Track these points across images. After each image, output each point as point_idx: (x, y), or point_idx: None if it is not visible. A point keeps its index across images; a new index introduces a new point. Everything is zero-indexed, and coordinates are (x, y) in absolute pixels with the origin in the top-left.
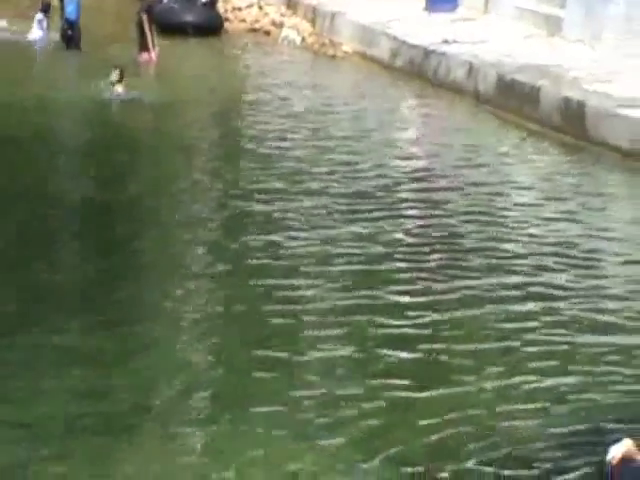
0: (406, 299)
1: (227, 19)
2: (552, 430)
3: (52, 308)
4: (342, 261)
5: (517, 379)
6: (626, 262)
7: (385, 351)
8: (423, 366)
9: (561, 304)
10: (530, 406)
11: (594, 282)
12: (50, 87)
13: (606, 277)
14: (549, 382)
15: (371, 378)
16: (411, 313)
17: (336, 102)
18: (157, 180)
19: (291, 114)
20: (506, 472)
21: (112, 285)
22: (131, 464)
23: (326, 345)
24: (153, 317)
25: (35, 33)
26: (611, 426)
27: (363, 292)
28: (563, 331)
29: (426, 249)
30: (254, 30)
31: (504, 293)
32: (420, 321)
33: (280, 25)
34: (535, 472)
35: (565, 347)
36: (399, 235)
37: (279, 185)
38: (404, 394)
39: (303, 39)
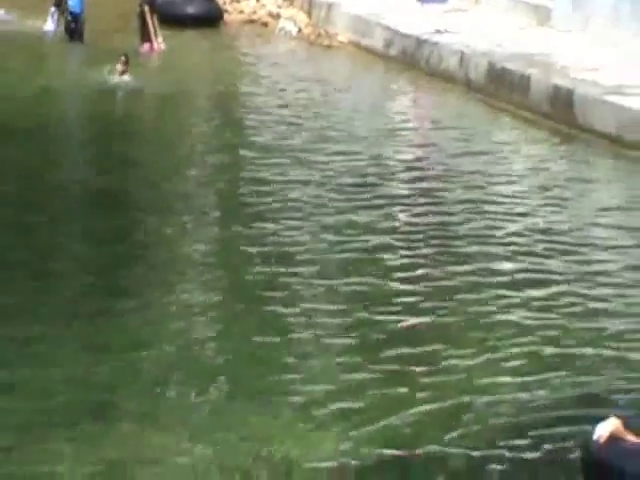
0: (400, 285)
1: (225, 11)
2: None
3: (55, 293)
4: (338, 249)
5: (502, 356)
6: (615, 247)
7: (377, 333)
8: (413, 343)
9: (550, 289)
10: (515, 380)
11: (583, 268)
12: (53, 77)
13: (595, 263)
14: (535, 362)
15: (359, 354)
16: (405, 299)
17: (331, 91)
18: (158, 168)
19: (287, 103)
20: (489, 444)
21: (115, 270)
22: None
23: (322, 330)
24: (154, 303)
25: (49, 25)
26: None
27: (358, 279)
28: (553, 315)
29: (420, 236)
30: (252, 21)
31: (496, 279)
32: (412, 301)
33: (277, 16)
34: (519, 444)
35: (552, 330)
36: (394, 223)
37: (277, 175)
38: (393, 369)
39: (299, 30)
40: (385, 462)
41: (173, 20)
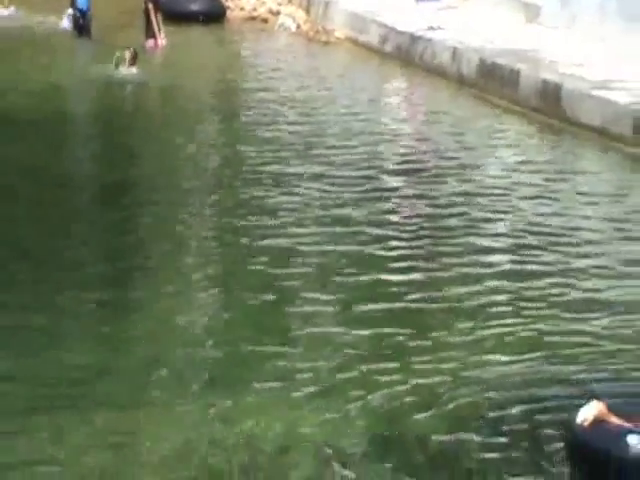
0: (394, 276)
1: (227, 7)
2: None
3: (63, 279)
4: (332, 239)
5: (489, 341)
6: (600, 238)
7: (372, 315)
8: (403, 325)
9: (538, 279)
10: (500, 363)
11: (570, 259)
12: (62, 72)
13: (582, 254)
14: (522, 347)
15: (353, 333)
16: (398, 289)
17: (328, 85)
18: (162, 160)
19: (286, 97)
20: (471, 425)
21: (120, 259)
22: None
23: (316, 317)
24: (158, 291)
25: (65, 23)
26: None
27: (353, 269)
28: (540, 304)
29: (412, 227)
30: (252, 18)
31: (485, 269)
32: (403, 290)
33: (277, 13)
34: (502, 426)
35: (539, 318)
36: (387, 215)
37: (276, 169)
38: (381, 351)
39: (298, 26)
40: (368, 440)
41: (177, 17)
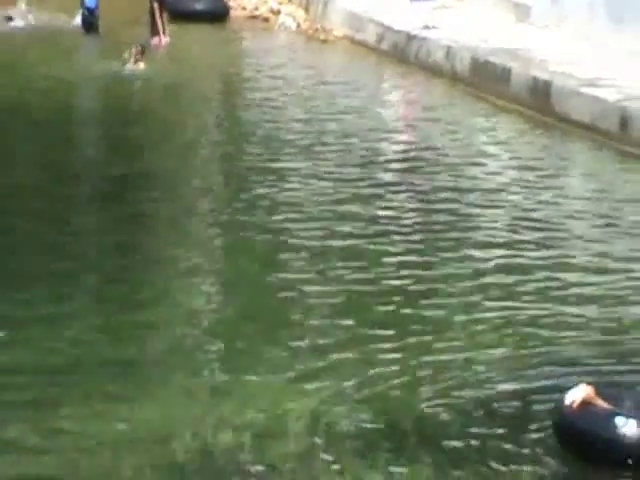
0: (386, 269)
1: (230, 7)
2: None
3: (70, 266)
4: (327, 235)
5: (479, 331)
6: (587, 233)
7: (368, 306)
8: (399, 319)
9: (527, 271)
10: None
11: (558, 252)
12: (71, 67)
13: (570, 248)
14: (510, 337)
15: (352, 326)
16: (394, 281)
17: (326, 81)
18: (166, 153)
19: (285, 93)
20: (460, 408)
21: (125, 250)
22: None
23: (312, 307)
24: (161, 286)
25: (77, 20)
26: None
27: (350, 263)
28: (528, 297)
29: (406, 222)
30: (254, 17)
31: (475, 263)
32: (399, 284)
33: (277, 12)
34: (491, 411)
35: (527, 310)
36: (383, 210)
37: (276, 165)
38: (380, 343)
39: (298, 25)
40: (358, 422)
41: (182, 15)
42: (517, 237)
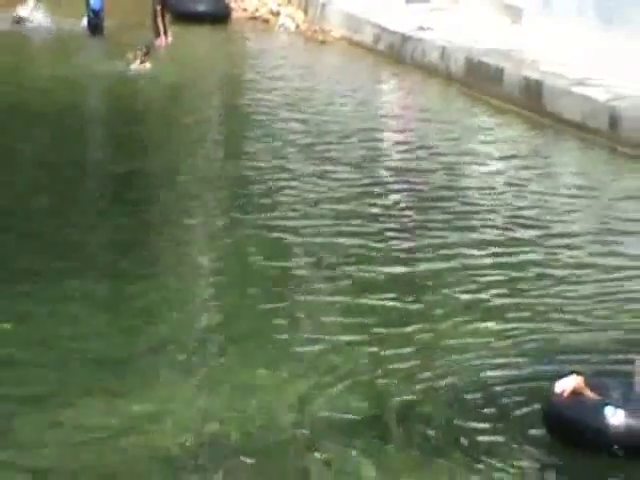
0: (383, 265)
1: (231, 8)
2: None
3: (76, 261)
4: (323, 231)
5: (471, 320)
6: (580, 231)
7: (362, 300)
8: (390, 308)
9: (520, 268)
10: (480, 340)
11: (550, 241)
12: (76, 68)
13: (562, 240)
14: (501, 324)
15: (344, 319)
16: (390, 278)
17: (325, 81)
18: (169, 151)
19: (285, 93)
20: (451, 399)
21: (130, 243)
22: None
23: (311, 301)
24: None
25: (85, 22)
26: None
27: (347, 260)
28: (522, 286)
29: (404, 212)
30: (254, 18)
31: (468, 251)
32: (396, 271)
33: (277, 14)
34: (482, 399)
35: (519, 298)
36: (379, 208)
37: (275, 160)
38: (369, 335)
39: (297, 26)
40: (344, 412)
41: (185, 17)
42: (510, 235)
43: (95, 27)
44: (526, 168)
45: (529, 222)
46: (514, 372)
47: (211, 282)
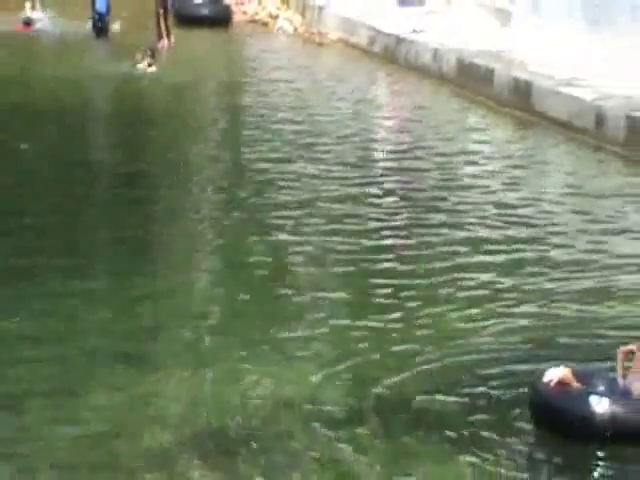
0: (381, 264)
1: (232, 11)
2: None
3: (81, 258)
4: (322, 220)
5: (462, 307)
6: (567, 228)
7: (359, 295)
8: (384, 299)
9: (507, 254)
10: (470, 325)
11: (538, 234)
12: (82, 69)
13: (549, 234)
14: (493, 314)
15: (342, 302)
16: (384, 272)
17: (322, 82)
18: (171, 150)
19: (283, 92)
20: (442, 384)
21: (132, 240)
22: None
23: (311, 283)
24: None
25: (89, 25)
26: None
27: (340, 247)
28: (505, 272)
29: (397, 211)
30: (254, 21)
31: (461, 247)
32: (389, 266)
33: (276, 17)
34: (472, 385)
35: (509, 287)
36: (375, 207)
37: (274, 156)
38: (364, 328)
39: (295, 29)
40: (347, 400)
41: (189, 20)
42: (501, 232)
43: (100, 30)
44: (515, 166)
45: (522, 220)
46: (503, 364)
47: (211, 281)
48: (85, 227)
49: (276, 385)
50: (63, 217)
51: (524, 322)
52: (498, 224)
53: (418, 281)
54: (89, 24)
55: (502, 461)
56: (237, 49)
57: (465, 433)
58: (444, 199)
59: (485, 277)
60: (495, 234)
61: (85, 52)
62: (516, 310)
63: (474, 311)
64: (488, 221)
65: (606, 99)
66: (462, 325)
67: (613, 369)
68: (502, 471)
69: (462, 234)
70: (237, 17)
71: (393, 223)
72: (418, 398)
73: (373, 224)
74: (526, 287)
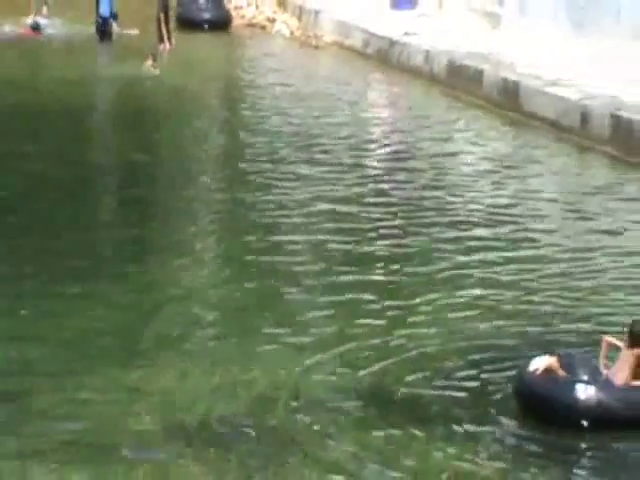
0: (371, 248)
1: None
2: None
3: (81, 258)
4: (318, 217)
5: (452, 302)
6: (551, 216)
7: (355, 290)
8: (382, 290)
9: (496, 252)
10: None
11: (524, 234)
12: (87, 71)
13: (535, 230)
14: (483, 306)
15: (339, 295)
16: (379, 263)
17: (316, 82)
18: (172, 149)
19: (280, 93)
20: (431, 373)
21: (134, 239)
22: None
23: (305, 282)
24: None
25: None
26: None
27: (337, 245)
28: (495, 268)
29: (390, 209)
30: (252, 25)
31: (451, 245)
32: (382, 264)
33: (273, 21)
34: (460, 373)
35: (498, 282)
36: (372, 206)
37: (274, 161)
38: (365, 307)
39: (292, 32)
40: (338, 387)
41: (192, 24)
42: (492, 230)
43: (103, 33)
44: (503, 162)
45: (507, 218)
46: (490, 353)
47: (212, 274)
48: (85, 227)
49: (265, 376)
50: (66, 216)
51: (515, 315)
52: (489, 222)
53: (413, 279)
54: (93, 28)
55: (486, 452)
56: (235, 51)
57: (449, 423)
58: (436, 198)
59: (477, 273)
60: (486, 232)
61: (89, 55)
62: (508, 307)
63: (465, 305)
64: (479, 219)
65: (591, 98)
66: (453, 315)
67: (596, 357)
68: (486, 462)
69: (453, 233)
70: (235, 21)
71: (388, 223)
72: (404, 390)
73: (369, 223)
74: (517, 283)
